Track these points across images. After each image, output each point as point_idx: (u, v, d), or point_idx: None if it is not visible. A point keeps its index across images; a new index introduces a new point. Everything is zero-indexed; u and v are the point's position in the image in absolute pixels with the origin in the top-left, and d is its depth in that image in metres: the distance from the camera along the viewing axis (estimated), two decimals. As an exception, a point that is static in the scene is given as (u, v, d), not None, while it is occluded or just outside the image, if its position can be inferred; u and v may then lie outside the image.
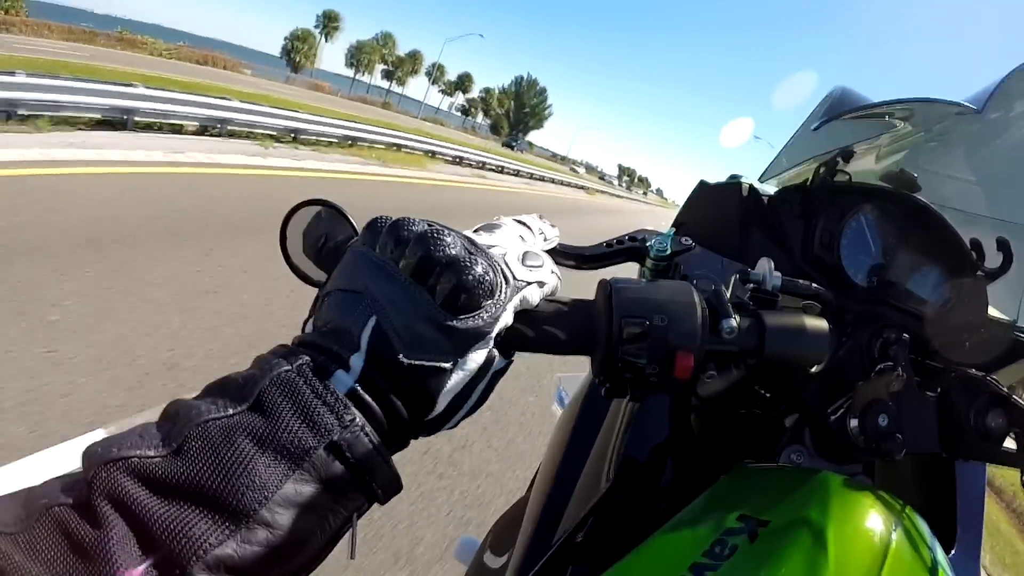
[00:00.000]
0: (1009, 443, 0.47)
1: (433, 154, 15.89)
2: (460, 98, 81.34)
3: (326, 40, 60.01)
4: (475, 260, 0.32)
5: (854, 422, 0.45)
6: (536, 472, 0.83)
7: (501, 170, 21.02)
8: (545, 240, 0.43)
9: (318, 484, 0.28)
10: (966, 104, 0.49)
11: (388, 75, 69.74)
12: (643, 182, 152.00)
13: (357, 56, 63.95)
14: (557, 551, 0.56)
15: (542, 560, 0.55)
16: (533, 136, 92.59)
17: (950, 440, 0.47)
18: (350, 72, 66.17)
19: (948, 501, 0.54)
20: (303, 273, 0.48)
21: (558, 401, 1.31)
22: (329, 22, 59.08)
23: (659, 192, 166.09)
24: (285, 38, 57.17)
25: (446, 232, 0.33)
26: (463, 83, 78.19)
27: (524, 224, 0.41)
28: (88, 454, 0.26)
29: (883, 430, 0.44)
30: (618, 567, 0.37)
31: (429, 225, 0.34)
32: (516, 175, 22.77)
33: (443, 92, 78.82)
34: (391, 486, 0.31)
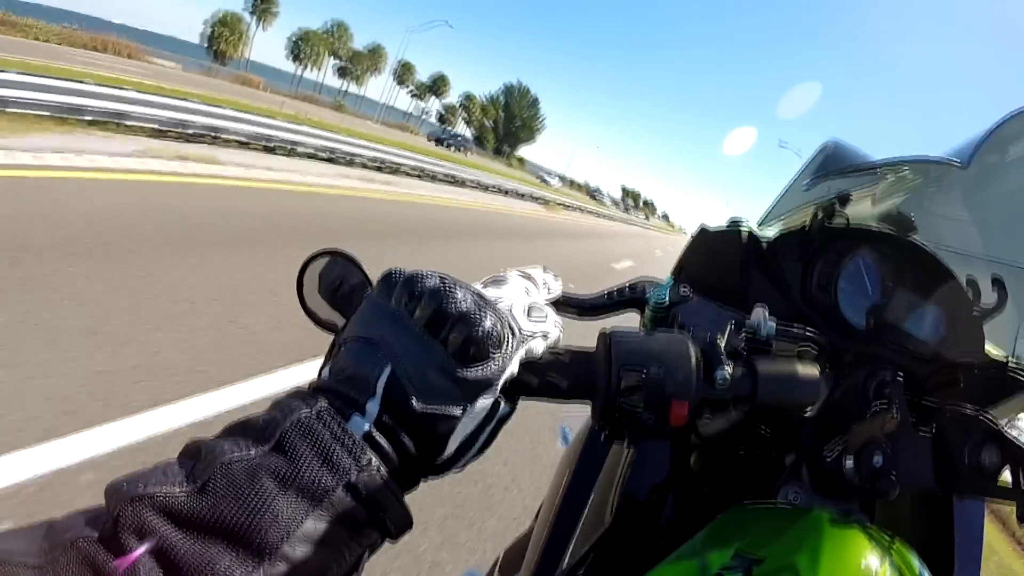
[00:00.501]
0: (1006, 477, 0.55)
1: (184, 128, 9.83)
2: (436, 104, 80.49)
3: (260, 26, 57.95)
4: (485, 314, 0.40)
5: (849, 462, 0.53)
6: (540, 508, 0.93)
7: (351, 162, 14.38)
8: (549, 292, 0.51)
9: (336, 522, 0.33)
10: (952, 161, 0.62)
11: (343, 72, 67.21)
12: (648, 206, 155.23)
13: (301, 48, 60.79)
14: None
15: None
16: (525, 151, 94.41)
17: (945, 477, 0.55)
18: (293, 66, 62.22)
19: (946, 538, 0.63)
20: (319, 319, 0.57)
21: (562, 439, 1.43)
22: (262, 4, 57.05)
23: (665, 217, 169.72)
24: (207, 23, 53.44)
25: (457, 287, 0.40)
26: (437, 86, 76.17)
27: (529, 277, 0.50)
28: (112, 490, 0.31)
29: (878, 470, 0.52)
30: None
31: (442, 279, 0.41)
32: (400, 174, 16.71)
33: (414, 95, 76.39)
34: (403, 523, 0.37)
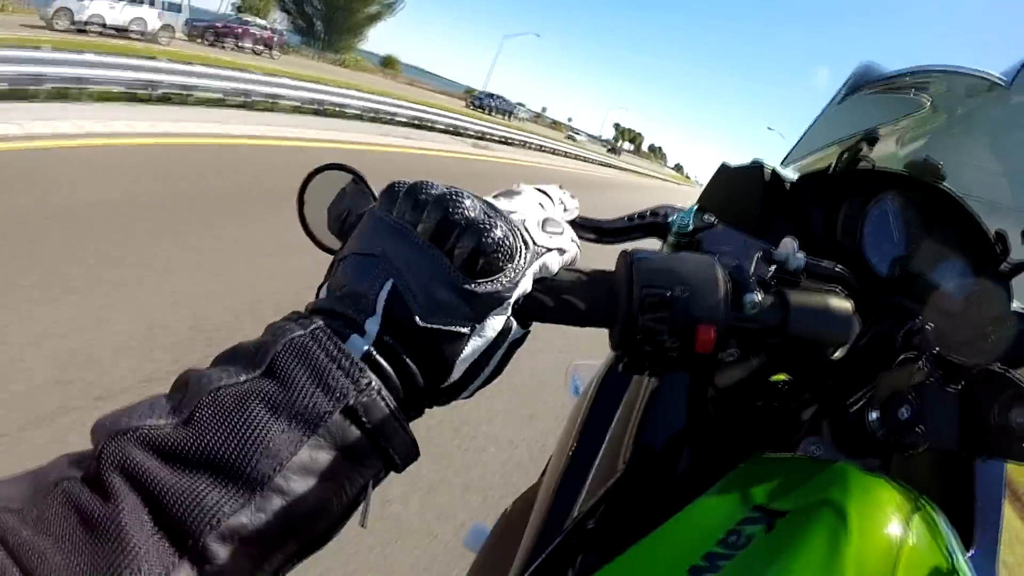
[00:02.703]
0: None
1: None
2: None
3: None
4: (495, 223, 0.36)
5: (874, 414, 0.51)
6: (549, 459, 0.90)
7: None
8: (565, 211, 0.47)
9: (334, 450, 0.30)
10: (995, 76, 0.58)
11: None
12: (655, 151, 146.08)
13: None
14: (567, 536, 0.61)
15: (552, 545, 0.60)
16: (377, 45, 49.57)
17: (971, 436, 0.52)
18: None
19: (966, 498, 0.61)
20: (319, 240, 0.53)
21: (572, 389, 1.42)
22: None
23: (679, 168, 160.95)
24: None
25: (465, 195, 0.36)
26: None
27: (544, 192, 0.46)
28: (97, 427, 0.28)
29: (905, 422, 0.49)
30: (629, 553, 0.42)
31: (448, 188, 0.37)
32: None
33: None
34: (408, 453, 0.34)
